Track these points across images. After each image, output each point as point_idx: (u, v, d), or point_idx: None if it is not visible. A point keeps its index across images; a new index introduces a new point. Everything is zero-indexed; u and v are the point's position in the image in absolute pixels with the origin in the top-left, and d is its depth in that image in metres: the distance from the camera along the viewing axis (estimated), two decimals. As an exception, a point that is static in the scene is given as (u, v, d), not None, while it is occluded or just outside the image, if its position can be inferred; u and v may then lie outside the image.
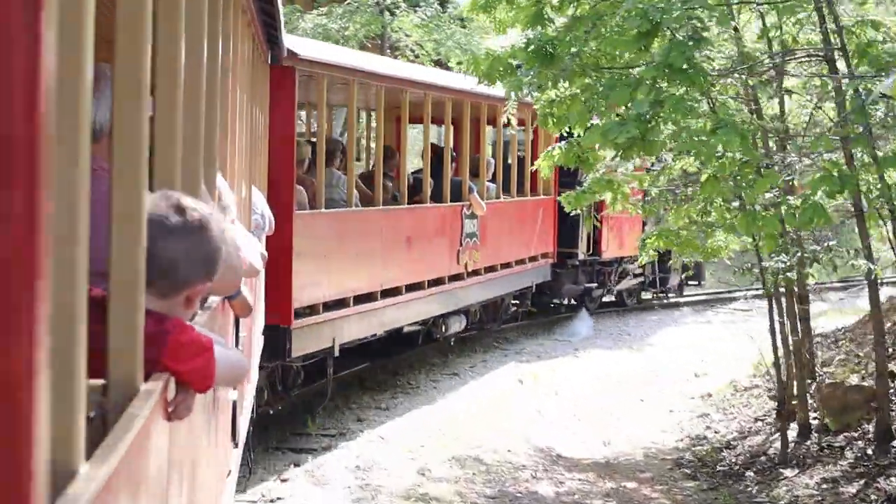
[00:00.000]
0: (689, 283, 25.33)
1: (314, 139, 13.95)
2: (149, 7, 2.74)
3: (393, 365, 16.36)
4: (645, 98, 9.32)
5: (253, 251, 6.22)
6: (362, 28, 23.28)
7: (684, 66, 9.06)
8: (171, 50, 3.43)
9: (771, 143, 12.05)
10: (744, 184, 10.35)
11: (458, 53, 22.67)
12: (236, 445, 6.49)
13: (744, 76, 11.19)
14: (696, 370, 17.68)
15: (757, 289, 18.54)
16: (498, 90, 17.97)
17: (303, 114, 17.26)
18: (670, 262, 22.21)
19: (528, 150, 19.02)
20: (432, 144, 15.93)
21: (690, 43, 9.20)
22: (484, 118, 17.62)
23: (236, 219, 5.89)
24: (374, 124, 16.53)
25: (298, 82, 11.93)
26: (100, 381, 2.66)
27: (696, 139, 9.63)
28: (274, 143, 11.33)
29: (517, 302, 19.97)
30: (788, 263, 11.23)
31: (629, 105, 9.67)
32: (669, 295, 24.76)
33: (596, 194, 12.51)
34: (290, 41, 11.79)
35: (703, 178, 10.44)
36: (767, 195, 10.74)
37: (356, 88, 13.10)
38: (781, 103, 12.13)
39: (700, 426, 14.23)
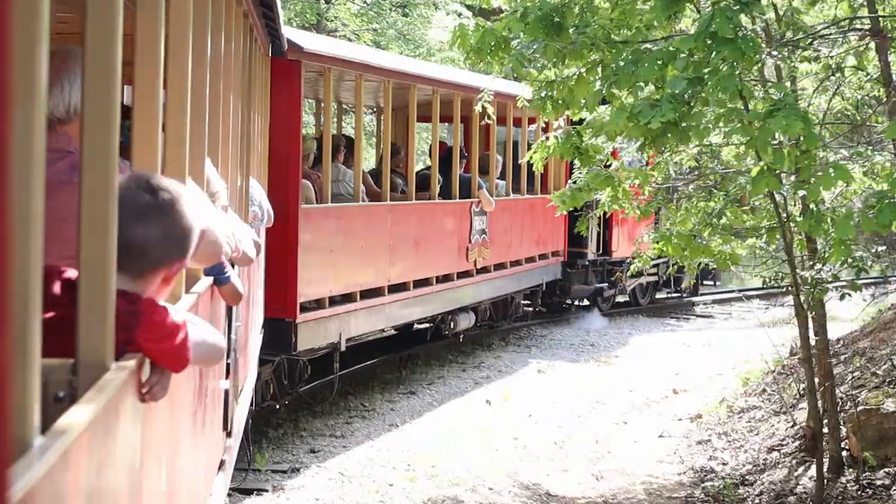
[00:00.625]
0: (705, 282, 25.26)
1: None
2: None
3: (398, 362, 16.38)
4: (680, 75, 7.86)
5: (246, 239, 6.28)
6: (296, 17, 22.89)
7: (730, 36, 7.61)
8: (152, 38, 3.47)
9: (825, 132, 10.49)
10: (808, 178, 8.51)
11: (400, 44, 22.33)
12: (229, 435, 6.52)
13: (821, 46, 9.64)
14: (672, 385, 16.36)
15: (761, 288, 18.48)
16: (509, 86, 18.12)
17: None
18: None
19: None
20: (441, 142, 15.96)
21: (736, 7, 7.72)
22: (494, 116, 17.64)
23: (228, 206, 5.95)
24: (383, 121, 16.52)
25: (304, 77, 11.95)
26: (69, 361, 2.72)
27: (748, 124, 8.05)
28: (276, 137, 11.36)
29: (528, 302, 20.02)
30: (832, 273, 9.70)
31: (656, 84, 8.33)
32: (683, 295, 24.73)
33: (592, 192, 10.85)
34: (292, 34, 11.83)
35: (755, 171, 8.60)
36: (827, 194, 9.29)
37: (363, 83, 13.13)
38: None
39: (701, 456, 12.60)
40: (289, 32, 11.20)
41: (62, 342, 2.80)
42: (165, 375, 3.15)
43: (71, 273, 2.93)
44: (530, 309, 20.23)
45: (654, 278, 23.01)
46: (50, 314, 2.94)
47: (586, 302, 22.05)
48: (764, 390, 14.06)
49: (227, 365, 6.27)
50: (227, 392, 6.23)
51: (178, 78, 4.15)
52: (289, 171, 11.71)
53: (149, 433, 3.14)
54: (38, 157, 1.97)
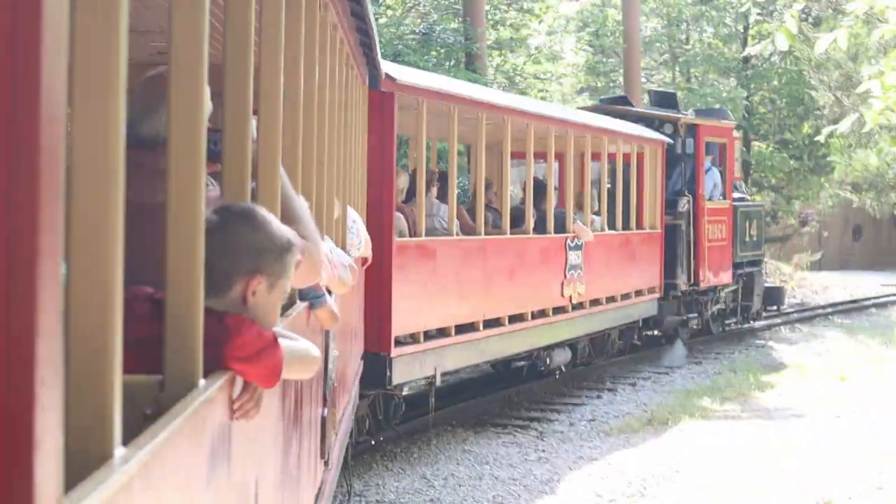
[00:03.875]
0: (768, 309, 25.68)
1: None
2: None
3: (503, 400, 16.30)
4: None
5: (341, 265, 6.31)
6: None
7: None
8: (242, 64, 3.52)
9: None
10: None
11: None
12: (326, 464, 6.54)
13: None
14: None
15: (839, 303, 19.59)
16: (607, 122, 18.12)
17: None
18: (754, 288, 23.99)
19: (633, 183, 19.06)
20: (536, 179, 15.99)
21: None
22: (588, 151, 17.65)
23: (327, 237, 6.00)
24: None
25: (398, 109, 12.02)
26: (157, 377, 2.74)
27: None
28: (373, 168, 11.43)
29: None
30: None
31: None
32: (752, 321, 25.04)
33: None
34: (387, 66, 11.91)
35: None
36: None
37: (456, 116, 13.16)
38: None
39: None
40: (382, 63, 11.26)
41: (150, 359, 2.83)
42: (257, 392, 3.16)
43: (157, 294, 2.97)
44: (632, 343, 20.17)
45: (722, 306, 23.20)
46: (141, 332, 2.98)
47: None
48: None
49: (324, 393, 6.29)
50: (324, 420, 6.25)
51: (271, 103, 4.19)
52: (383, 204, 11.76)
53: (238, 451, 3.14)
54: (116, 172, 2.01)
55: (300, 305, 4.88)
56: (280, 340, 3.15)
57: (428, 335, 12.54)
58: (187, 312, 2.73)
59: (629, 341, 19.93)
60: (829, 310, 30.33)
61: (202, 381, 2.77)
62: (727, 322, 23.94)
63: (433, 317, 12.65)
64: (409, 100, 12.20)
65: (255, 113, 3.89)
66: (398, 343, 11.95)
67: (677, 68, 39.90)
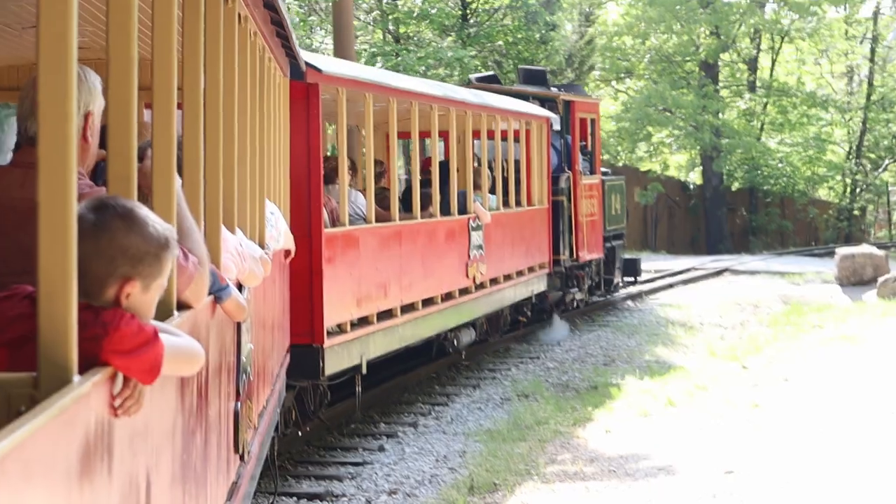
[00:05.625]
0: (626, 278, 26.05)
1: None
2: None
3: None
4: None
5: (251, 258, 6.29)
6: None
7: None
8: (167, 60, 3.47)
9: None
10: None
11: None
12: (243, 458, 6.48)
13: None
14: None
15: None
16: (497, 99, 17.98)
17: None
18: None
19: (524, 160, 19.06)
20: (428, 158, 15.97)
21: None
22: (485, 129, 17.58)
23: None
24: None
25: (322, 100, 11.93)
26: (31, 374, 2.70)
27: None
28: (298, 160, 11.35)
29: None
30: None
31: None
32: (613, 294, 25.44)
33: None
34: (308, 56, 11.82)
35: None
36: None
37: (371, 103, 13.04)
38: None
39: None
40: (303, 54, 11.16)
41: (26, 356, 2.80)
42: (138, 388, 3.10)
43: (29, 289, 2.93)
44: (522, 320, 20.26)
45: (594, 279, 23.55)
46: (19, 331, 2.94)
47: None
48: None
49: (237, 386, 6.24)
50: (237, 414, 6.19)
51: (193, 97, 4.16)
52: (311, 196, 11.70)
53: (123, 447, 3.09)
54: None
55: (208, 300, 4.84)
56: (161, 336, 3.11)
57: (352, 324, 12.50)
58: (60, 307, 2.69)
59: (516, 318, 19.96)
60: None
61: (77, 377, 2.73)
62: (592, 295, 24.16)
63: (359, 306, 12.61)
64: (331, 90, 12.12)
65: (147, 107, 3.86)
66: (328, 334, 11.91)
67: (389, 26, 35.54)
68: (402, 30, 35.69)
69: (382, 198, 13.64)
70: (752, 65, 50.28)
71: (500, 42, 36.23)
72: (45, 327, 2.69)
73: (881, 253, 27.94)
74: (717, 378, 16.20)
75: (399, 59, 29.63)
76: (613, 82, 48.75)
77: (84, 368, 2.82)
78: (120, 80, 3.44)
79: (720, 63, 49.06)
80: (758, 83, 50.25)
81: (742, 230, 49.88)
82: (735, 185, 50.00)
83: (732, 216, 49.33)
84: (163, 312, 3.81)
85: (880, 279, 25.51)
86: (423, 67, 27.19)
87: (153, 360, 3.07)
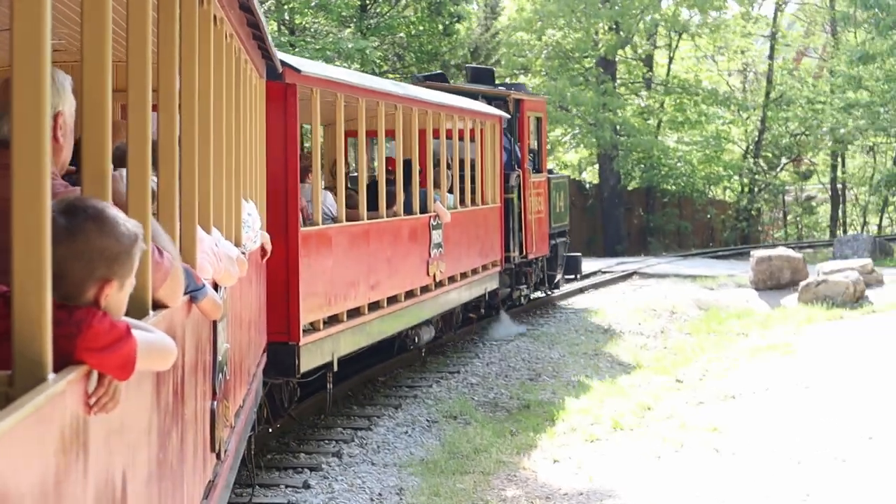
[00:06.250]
0: (567, 276, 26.00)
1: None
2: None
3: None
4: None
5: (226, 257, 6.30)
6: None
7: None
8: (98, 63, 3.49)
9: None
10: None
11: None
12: (219, 456, 6.49)
13: None
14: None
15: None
16: (444, 97, 17.92)
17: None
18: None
19: (479, 159, 19.10)
20: (391, 158, 15.98)
21: None
22: (443, 128, 17.42)
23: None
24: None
25: (299, 100, 11.93)
26: (6, 372, 2.72)
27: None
28: (275, 159, 11.35)
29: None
30: None
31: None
32: (555, 291, 25.25)
33: None
34: (285, 57, 11.82)
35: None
36: None
37: (342, 102, 13.02)
38: None
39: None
40: (278, 54, 11.15)
41: (7, 357, 2.80)
42: (113, 385, 3.10)
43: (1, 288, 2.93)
44: (473, 317, 20.23)
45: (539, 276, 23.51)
46: None
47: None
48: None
49: (213, 385, 6.25)
50: (213, 412, 6.20)
51: (168, 98, 4.17)
52: (288, 195, 11.72)
53: (98, 445, 3.10)
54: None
55: (184, 299, 4.85)
56: (133, 332, 3.13)
57: (324, 322, 12.52)
58: (34, 305, 2.70)
59: (467, 316, 19.94)
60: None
61: (51, 375, 2.74)
62: (537, 290, 24.15)
63: (332, 303, 12.63)
64: (306, 90, 12.12)
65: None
66: (303, 331, 11.93)
67: (285, 17, 33.46)
68: (297, 21, 33.84)
69: (348, 196, 13.64)
70: (649, 61, 48.81)
71: (402, 34, 34.89)
72: (20, 325, 2.70)
73: (798, 255, 26.51)
74: (657, 395, 15.22)
75: (296, 50, 27.73)
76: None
77: (59, 367, 2.83)
78: (94, 82, 3.45)
79: (618, 60, 47.29)
80: (654, 80, 48.76)
81: (639, 231, 47.68)
82: (632, 185, 47.94)
83: (630, 216, 47.45)
84: (139, 311, 3.83)
85: (802, 283, 24.10)
86: (321, 60, 25.06)
87: (127, 356, 3.07)
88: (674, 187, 48.08)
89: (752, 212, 50.29)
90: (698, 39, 49.28)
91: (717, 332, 21.47)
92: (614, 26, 45.89)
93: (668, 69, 49.43)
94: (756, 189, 50.65)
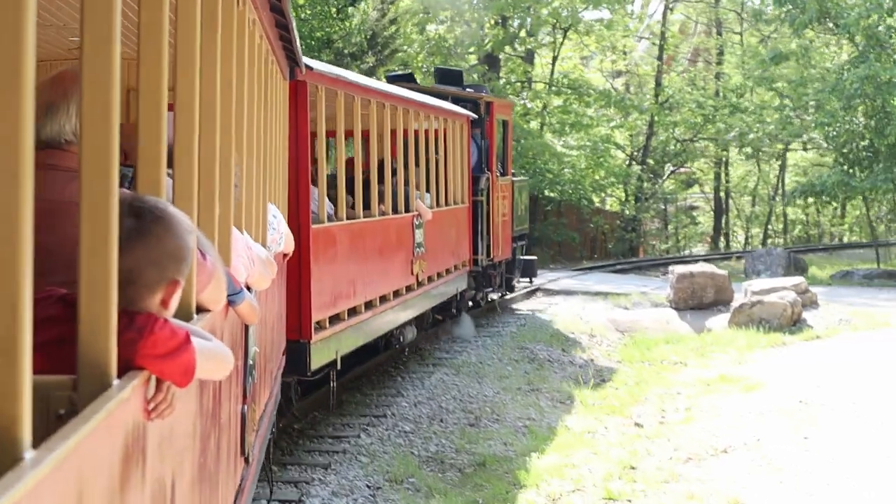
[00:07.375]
0: (521, 279, 25.59)
1: None
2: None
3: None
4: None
5: (259, 262, 6.24)
6: None
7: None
8: (157, 63, 3.44)
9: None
10: None
11: None
12: (247, 461, 6.43)
13: None
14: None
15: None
16: (425, 97, 17.77)
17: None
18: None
19: (443, 159, 18.93)
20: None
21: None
22: (414, 128, 17.19)
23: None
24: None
25: (309, 99, 11.87)
26: (71, 377, 2.67)
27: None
28: (288, 158, 11.33)
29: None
30: None
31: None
32: (511, 293, 24.98)
33: None
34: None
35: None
36: None
37: (343, 102, 12.91)
38: None
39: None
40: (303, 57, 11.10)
41: (65, 361, 2.76)
42: (171, 391, 3.07)
43: (69, 294, 2.89)
44: (440, 318, 20.14)
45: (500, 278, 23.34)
46: (52, 334, 2.90)
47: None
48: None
49: (244, 389, 6.20)
50: (244, 416, 6.14)
51: (188, 98, 4.13)
52: (299, 192, 11.68)
53: (154, 451, 3.07)
54: (25, 171, 1.95)
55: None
56: (192, 339, 3.09)
57: (330, 320, 12.49)
58: (101, 312, 2.66)
59: (435, 317, 19.76)
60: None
61: (116, 381, 2.70)
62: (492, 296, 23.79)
63: (337, 301, 12.61)
64: (313, 87, 12.06)
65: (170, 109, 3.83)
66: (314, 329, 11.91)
67: None
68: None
69: (333, 196, 13.62)
70: (530, 58, 45.64)
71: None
72: (86, 331, 2.66)
73: (723, 273, 23.95)
74: (628, 447, 12.95)
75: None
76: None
77: (119, 372, 2.79)
78: (150, 85, 3.41)
79: (501, 57, 43.95)
80: (534, 79, 45.63)
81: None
82: None
83: (513, 225, 45.87)
84: (184, 315, 3.78)
85: (733, 305, 21.88)
86: None
87: (187, 364, 3.03)
88: (560, 195, 43.73)
89: (639, 222, 47.39)
90: (585, 38, 46.41)
91: (650, 359, 19.31)
92: (499, 20, 43.07)
93: (553, 69, 45.70)
94: (644, 198, 47.55)
